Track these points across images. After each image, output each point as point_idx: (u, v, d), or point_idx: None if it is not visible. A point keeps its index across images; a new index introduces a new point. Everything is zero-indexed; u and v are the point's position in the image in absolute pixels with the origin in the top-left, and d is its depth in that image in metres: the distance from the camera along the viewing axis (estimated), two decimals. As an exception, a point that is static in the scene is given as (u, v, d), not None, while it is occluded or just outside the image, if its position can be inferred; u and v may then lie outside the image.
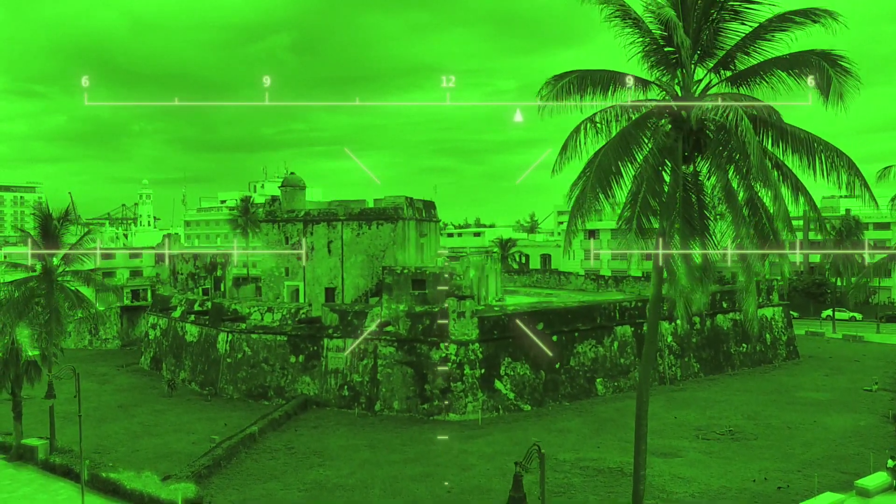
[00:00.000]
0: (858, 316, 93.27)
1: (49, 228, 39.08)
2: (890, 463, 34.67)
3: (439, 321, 49.49)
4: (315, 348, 52.68)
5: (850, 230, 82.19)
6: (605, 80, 18.73)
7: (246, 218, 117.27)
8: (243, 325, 55.11)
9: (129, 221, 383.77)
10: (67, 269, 40.04)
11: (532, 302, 65.03)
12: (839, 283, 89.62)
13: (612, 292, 76.78)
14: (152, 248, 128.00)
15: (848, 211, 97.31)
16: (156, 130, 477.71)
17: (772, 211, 16.64)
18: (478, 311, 49.89)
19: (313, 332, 52.86)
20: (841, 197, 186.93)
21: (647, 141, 18.26)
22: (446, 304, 49.58)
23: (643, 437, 23.21)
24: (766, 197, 16.32)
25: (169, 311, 64.71)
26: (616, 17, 18.93)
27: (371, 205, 77.42)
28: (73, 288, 39.51)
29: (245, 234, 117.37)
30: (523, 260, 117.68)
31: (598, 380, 53.70)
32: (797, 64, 17.59)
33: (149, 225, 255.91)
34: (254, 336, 54.52)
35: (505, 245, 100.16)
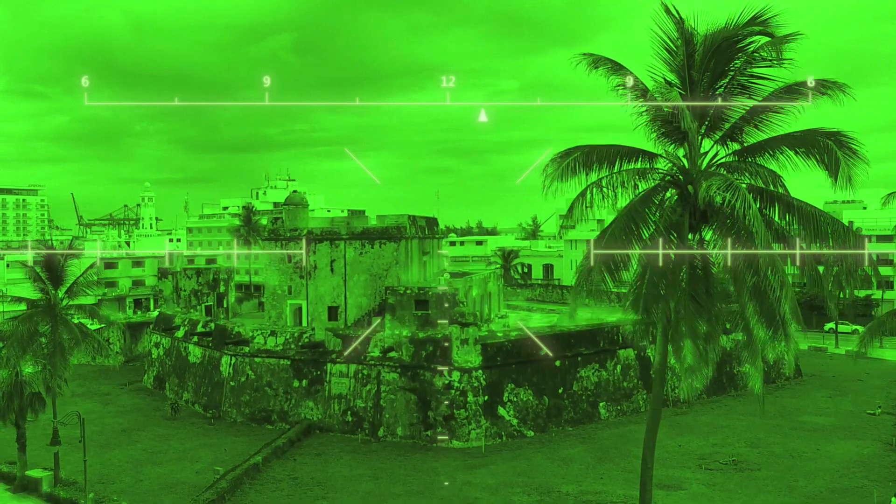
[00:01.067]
0: (861, 329, 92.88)
1: (53, 263, 39.12)
2: (893, 500, 34.65)
3: (443, 347, 49.48)
4: (318, 373, 52.71)
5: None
6: (612, 155, 18.75)
7: (248, 228, 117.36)
8: (246, 349, 55.14)
9: (131, 223, 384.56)
10: (71, 302, 40.07)
11: (535, 325, 65.08)
12: (842, 296, 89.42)
13: (616, 309, 76.71)
14: (155, 254, 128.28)
15: (851, 223, 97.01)
16: (157, 131, 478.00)
17: (779, 295, 16.61)
18: (481, 338, 49.88)
19: (316, 356, 52.89)
20: (843, 202, 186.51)
21: (653, 218, 18.24)
22: (449, 331, 49.57)
23: (649, 479, 22.95)
24: (773, 279, 16.30)
25: (172, 330, 64.73)
26: (623, 88, 18.90)
27: (374, 220, 77.50)
28: (76, 321, 39.52)
29: (247, 243, 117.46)
30: (525, 270, 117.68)
31: (601, 404, 53.70)
32: (805, 143, 17.56)
33: (151, 227, 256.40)
34: (257, 360, 54.56)
35: (507, 256, 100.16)
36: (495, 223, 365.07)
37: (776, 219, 18.42)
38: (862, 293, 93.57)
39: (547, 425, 50.68)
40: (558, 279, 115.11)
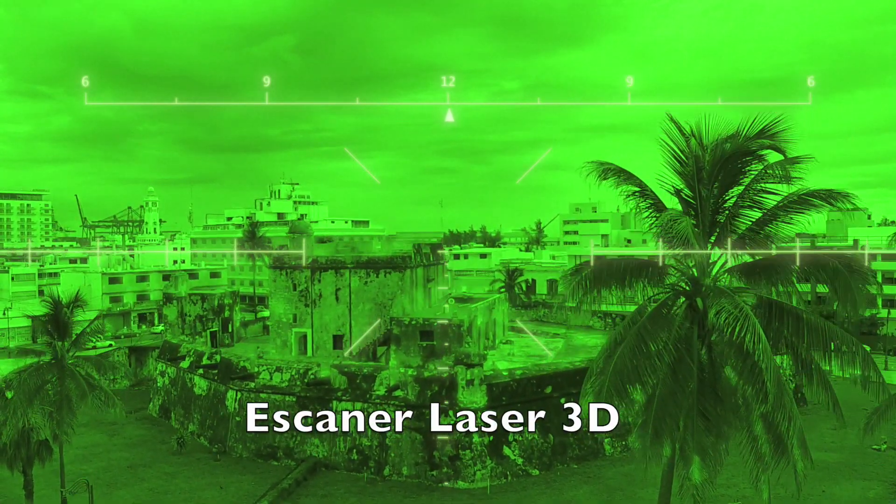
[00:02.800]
0: (867, 348, 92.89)
1: (59, 315, 39.23)
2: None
3: (448, 387, 49.54)
4: (324, 410, 52.77)
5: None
6: (621, 271, 18.78)
7: (252, 243, 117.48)
8: (252, 384, 55.25)
9: (135, 225, 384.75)
10: (78, 353, 40.18)
11: (540, 352, 65.13)
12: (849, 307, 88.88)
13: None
14: (160, 269, 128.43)
15: (856, 241, 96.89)
16: (160, 131, 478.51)
17: (787, 427, 16.64)
18: (486, 378, 49.94)
19: (322, 394, 52.97)
20: (849, 209, 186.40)
21: (664, 337, 18.22)
22: (455, 371, 49.62)
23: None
24: (781, 416, 16.32)
25: (177, 360, 64.87)
26: (634, 197, 18.99)
27: (378, 248, 77.58)
28: (83, 372, 39.61)
29: (252, 258, 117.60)
30: (530, 282, 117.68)
31: (606, 440, 53.71)
32: (815, 264, 17.59)
33: (155, 232, 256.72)
34: (263, 395, 54.66)
35: (511, 275, 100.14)
36: (499, 225, 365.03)
37: (785, 333, 18.42)
38: (867, 312, 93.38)
39: (552, 463, 50.74)
40: (562, 295, 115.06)
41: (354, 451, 51.37)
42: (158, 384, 68.10)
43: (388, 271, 64.49)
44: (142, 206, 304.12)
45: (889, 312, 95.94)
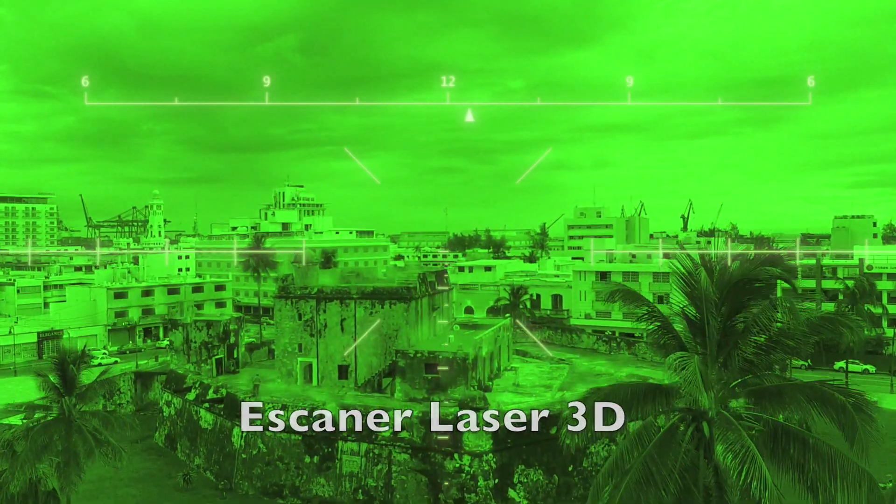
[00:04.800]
0: (872, 368, 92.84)
1: (66, 371, 39.37)
2: None
3: (453, 430, 49.62)
4: (329, 450, 52.96)
5: (863, 291, 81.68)
6: (630, 396, 18.81)
7: (257, 259, 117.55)
8: (258, 422, 55.35)
9: (139, 225, 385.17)
10: (84, 408, 40.32)
11: (545, 381, 65.13)
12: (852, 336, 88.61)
13: (630, 359, 77.07)
14: (165, 283, 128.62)
15: (861, 261, 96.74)
16: (165, 130, 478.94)
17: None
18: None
19: (328, 434, 53.08)
20: (853, 217, 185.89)
21: (668, 462, 18.23)
22: (460, 414, 49.72)
23: None
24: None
25: (183, 392, 65.07)
26: (645, 318, 19.07)
27: (382, 271, 77.66)
28: (90, 427, 39.72)
29: (256, 272, 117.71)
30: (535, 297, 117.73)
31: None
32: (822, 398, 17.60)
33: (159, 235, 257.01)
34: (268, 433, 54.83)
35: (516, 293, 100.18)
36: (503, 225, 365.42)
37: (792, 451, 18.41)
38: (873, 332, 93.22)
39: (557, 504, 50.84)
40: (567, 310, 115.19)
41: (360, 491, 51.54)
42: (164, 414, 68.33)
43: (393, 302, 64.62)
44: (146, 207, 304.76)
45: (895, 332, 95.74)
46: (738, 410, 18.82)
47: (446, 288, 75.58)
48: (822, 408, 17.81)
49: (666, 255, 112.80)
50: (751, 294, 18.67)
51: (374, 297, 65.01)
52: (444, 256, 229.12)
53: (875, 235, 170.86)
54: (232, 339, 74.86)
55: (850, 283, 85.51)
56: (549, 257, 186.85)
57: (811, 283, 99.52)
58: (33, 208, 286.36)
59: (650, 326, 19.79)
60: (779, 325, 18.43)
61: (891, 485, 54.58)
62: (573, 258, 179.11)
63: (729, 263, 19.05)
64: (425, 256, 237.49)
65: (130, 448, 67.13)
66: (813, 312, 18.44)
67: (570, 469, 51.97)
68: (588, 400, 19.11)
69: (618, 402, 18.98)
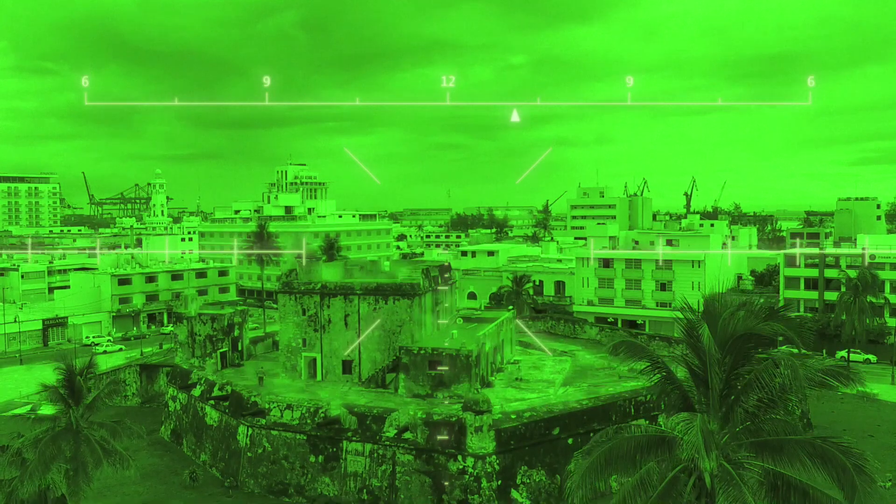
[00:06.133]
0: (873, 358, 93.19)
1: (73, 383, 39.73)
2: None
3: (457, 432, 50.05)
4: (334, 450, 53.47)
5: (866, 284, 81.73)
6: (632, 450, 19.03)
7: (260, 244, 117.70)
8: (263, 421, 55.89)
9: (142, 202, 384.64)
10: (92, 419, 40.73)
11: (547, 375, 65.41)
12: (856, 325, 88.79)
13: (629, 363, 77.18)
14: (169, 269, 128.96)
15: (864, 249, 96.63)
16: (166, 108, 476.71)
17: None
18: (495, 422, 50.39)
19: (332, 434, 53.58)
20: (857, 199, 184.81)
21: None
22: (463, 417, 50.11)
23: None
24: None
25: (189, 388, 65.54)
26: (646, 371, 19.22)
27: (387, 266, 77.79)
28: (97, 436, 40.16)
29: (260, 261, 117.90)
30: (538, 283, 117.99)
31: (612, 477, 54.14)
32: (822, 456, 17.78)
33: (162, 214, 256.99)
34: (273, 432, 55.33)
35: (519, 281, 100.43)
36: (506, 202, 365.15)
37: (792, 502, 18.67)
38: (876, 321, 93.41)
39: (559, 504, 51.37)
40: (569, 297, 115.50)
41: (364, 491, 52.11)
42: (170, 408, 68.89)
43: (396, 298, 64.90)
44: (149, 184, 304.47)
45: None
46: (739, 460, 19.03)
47: (451, 278, 75.73)
48: (822, 466, 18.01)
49: (668, 242, 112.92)
50: (754, 347, 18.81)
51: (378, 293, 65.28)
52: (447, 237, 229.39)
53: (878, 218, 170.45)
54: (236, 333, 75.27)
55: (853, 273, 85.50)
56: (552, 238, 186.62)
57: (814, 273, 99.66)
58: (36, 188, 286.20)
59: (654, 377, 19.93)
60: (779, 380, 18.58)
61: (889, 484, 55.08)
62: (575, 238, 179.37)
63: (732, 313, 19.12)
64: (428, 237, 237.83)
65: (136, 444, 67.88)
66: (816, 364, 18.56)
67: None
68: (587, 454, 19.24)
69: (621, 456, 19.16)
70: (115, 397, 77.00)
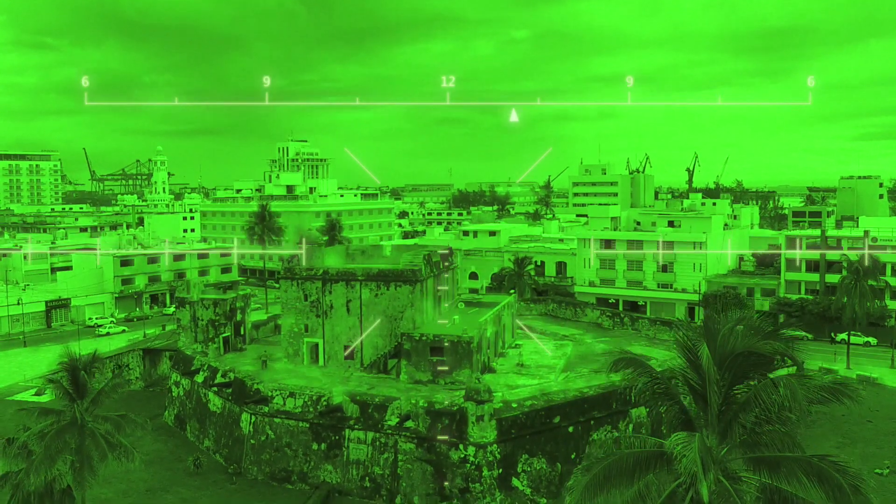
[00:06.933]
0: (873, 340, 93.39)
1: (77, 377, 40.00)
2: None
3: (458, 421, 50.44)
4: (336, 438, 53.93)
5: (866, 270, 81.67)
6: (630, 467, 19.18)
7: (263, 226, 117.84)
8: (266, 408, 56.32)
9: (143, 179, 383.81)
10: (97, 412, 41.04)
11: (549, 361, 65.70)
12: (857, 309, 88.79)
13: (635, 336, 77.68)
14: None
15: (866, 233, 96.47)
16: (167, 83, 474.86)
17: None
18: (496, 411, 50.74)
19: (335, 422, 54.01)
20: (860, 178, 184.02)
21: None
22: (465, 406, 50.45)
23: None
24: None
25: (192, 374, 65.94)
26: (647, 387, 19.36)
27: (388, 251, 77.88)
28: (102, 430, 40.50)
29: (262, 241, 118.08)
30: (539, 263, 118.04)
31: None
32: (819, 475, 17.92)
33: (164, 191, 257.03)
34: (276, 420, 55.79)
35: (521, 263, 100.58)
36: (508, 177, 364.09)
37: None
38: (876, 304, 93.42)
39: (560, 492, 51.86)
40: (571, 277, 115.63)
41: (367, 478, 52.64)
42: (174, 394, 69.36)
43: (398, 284, 65.02)
44: (150, 161, 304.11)
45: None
46: (736, 473, 19.22)
47: (452, 263, 75.82)
48: (819, 484, 18.17)
49: (670, 224, 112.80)
50: (753, 365, 18.92)
51: (380, 279, 65.39)
52: (449, 214, 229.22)
53: (881, 196, 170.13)
54: (239, 317, 75.51)
55: (854, 256, 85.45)
56: (554, 216, 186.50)
57: (815, 255, 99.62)
58: (37, 165, 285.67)
59: (657, 391, 20.04)
60: (778, 399, 18.70)
61: (887, 471, 55.49)
62: (577, 215, 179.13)
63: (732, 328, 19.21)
64: (429, 214, 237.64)
65: (140, 431, 68.45)
66: (815, 381, 18.67)
67: (573, 457, 52.91)
68: (586, 471, 19.46)
69: (620, 472, 19.35)
70: (120, 390, 77.69)
